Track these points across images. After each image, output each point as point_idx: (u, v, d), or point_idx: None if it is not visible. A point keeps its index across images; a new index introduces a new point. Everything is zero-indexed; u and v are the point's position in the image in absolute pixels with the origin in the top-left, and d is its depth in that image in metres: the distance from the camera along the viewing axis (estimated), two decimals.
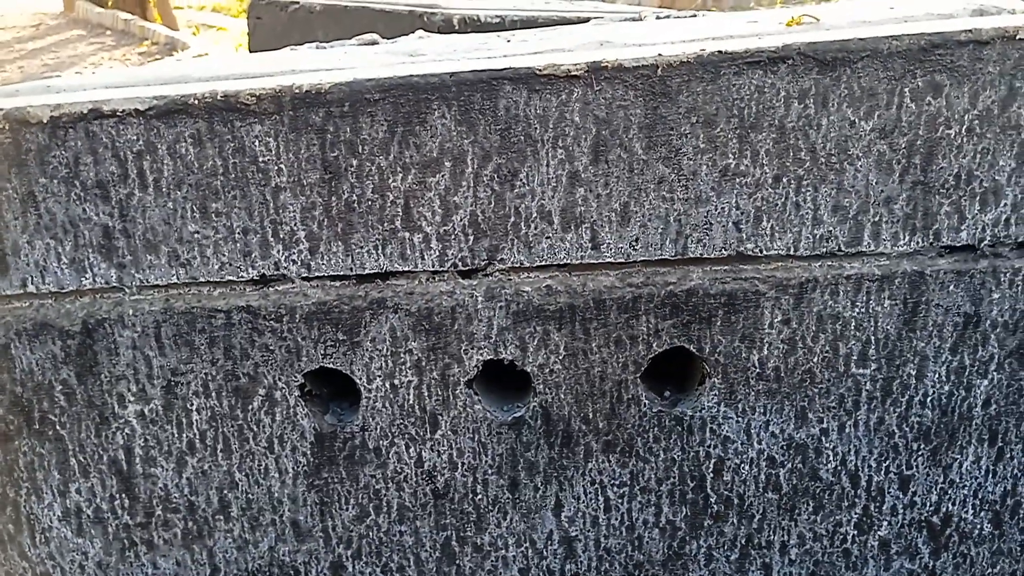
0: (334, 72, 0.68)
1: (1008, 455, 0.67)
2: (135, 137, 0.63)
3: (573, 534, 0.72)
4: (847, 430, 0.68)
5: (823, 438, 0.68)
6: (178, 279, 0.66)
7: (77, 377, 0.69)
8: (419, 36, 1.00)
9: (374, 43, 0.92)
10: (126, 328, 0.68)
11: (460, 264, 0.65)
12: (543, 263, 0.65)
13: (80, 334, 0.68)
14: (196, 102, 0.62)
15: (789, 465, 0.69)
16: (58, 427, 0.70)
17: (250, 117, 0.62)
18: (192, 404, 0.69)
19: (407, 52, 0.82)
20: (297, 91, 0.62)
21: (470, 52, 0.78)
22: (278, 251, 0.65)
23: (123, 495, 0.72)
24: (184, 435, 0.70)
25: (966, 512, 0.69)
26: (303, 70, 0.73)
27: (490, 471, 0.70)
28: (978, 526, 0.69)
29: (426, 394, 0.69)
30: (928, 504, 0.70)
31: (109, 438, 0.71)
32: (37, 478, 0.72)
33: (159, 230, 0.65)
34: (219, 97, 0.62)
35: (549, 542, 0.72)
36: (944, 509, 0.69)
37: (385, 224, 0.65)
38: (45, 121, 0.63)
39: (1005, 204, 0.62)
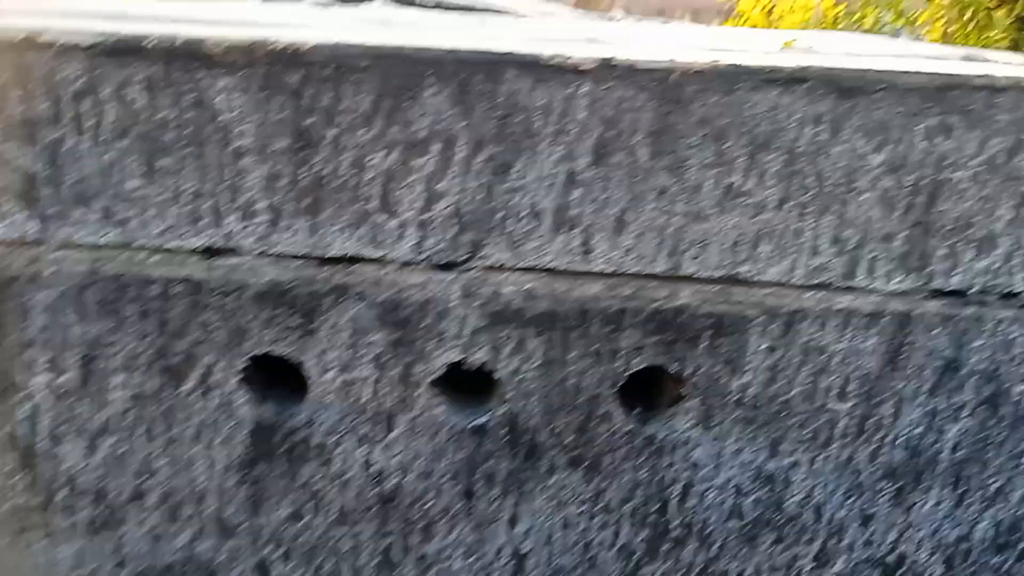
0: (307, 31, 0.66)
1: (968, 500, 0.73)
2: (75, 75, 0.59)
3: (526, 550, 0.74)
4: (816, 464, 0.72)
5: (792, 470, 0.72)
6: (111, 240, 0.63)
7: None
8: (381, 3, 0.97)
9: (330, 5, 0.89)
10: (42, 288, 0.64)
11: (437, 256, 0.65)
12: (528, 265, 0.66)
13: None
14: (152, 45, 0.59)
15: (755, 495, 0.73)
16: None
17: (215, 68, 0.60)
18: (113, 380, 0.67)
19: (377, 20, 0.80)
20: (273, 47, 0.59)
21: (445, 30, 0.77)
22: (233, 220, 0.63)
23: (22, 473, 0.69)
24: (100, 414, 0.68)
25: (920, 554, 0.74)
26: (265, 24, 0.70)
27: (444, 478, 0.71)
28: (929, 568, 0.75)
29: (384, 391, 0.68)
30: (885, 543, 0.76)
31: (11, 409, 0.67)
32: None
33: (93, 183, 0.62)
34: (180, 42, 0.59)
35: (499, 556, 0.74)
36: (900, 549, 0.75)
37: (359, 204, 0.63)
38: None
39: (997, 253, 0.66)
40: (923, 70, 0.63)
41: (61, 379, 0.67)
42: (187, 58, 0.60)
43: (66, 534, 0.72)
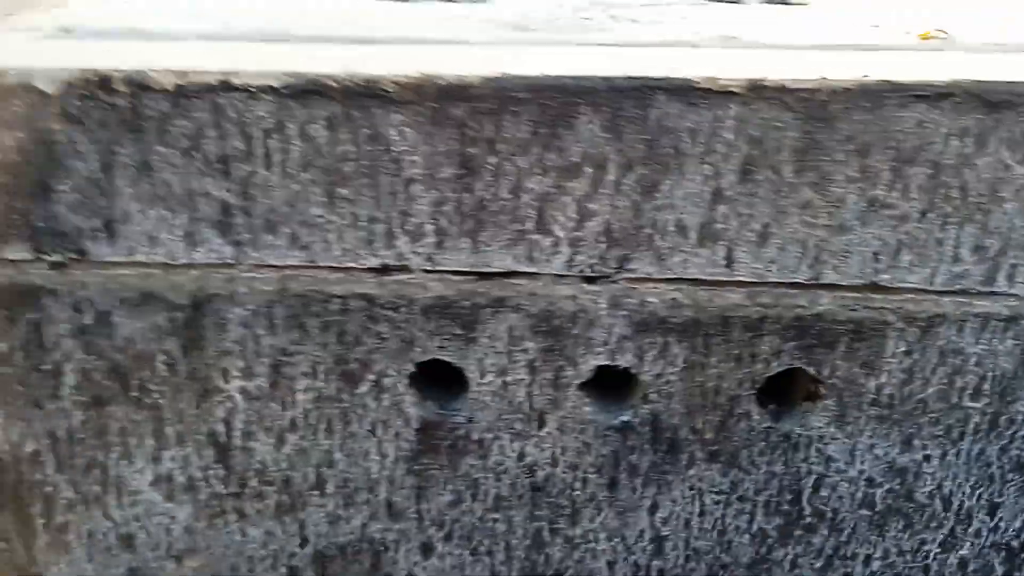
0: (467, 51, 0.71)
1: None
2: (265, 114, 0.66)
3: (665, 533, 0.80)
4: (948, 458, 0.76)
5: (924, 463, 0.76)
6: (296, 262, 0.71)
7: (181, 349, 0.74)
8: None
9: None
10: (237, 306, 0.72)
11: (587, 270, 0.70)
12: (672, 276, 0.70)
13: (188, 307, 0.73)
14: (334, 84, 0.65)
15: (887, 486, 0.77)
16: (156, 396, 0.76)
17: (389, 105, 0.65)
18: (298, 384, 0.75)
19: (510, 24, 0.84)
20: (441, 82, 0.65)
21: (582, 31, 0.81)
22: (403, 242, 0.70)
23: (218, 466, 0.78)
24: (287, 413, 0.76)
25: None
26: (414, 40, 0.75)
27: (591, 470, 0.78)
28: None
29: (537, 393, 0.75)
30: (1011, 530, 0.79)
31: (209, 411, 0.76)
32: (129, 444, 0.78)
33: (281, 211, 0.69)
34: (359, 82, 0.65)
35: (640, 539, 0.80)
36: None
37: (516, 224, 0.69)
38: (170, 89, 0.65)
39: None
40: None
41: (253, 384, 0.76)
42: (365, 95, 0.66)
43: (256, 517, 0.82)
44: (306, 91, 0.66)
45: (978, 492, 0.79)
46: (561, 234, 0.70)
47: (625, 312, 0.73)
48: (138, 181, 0.69)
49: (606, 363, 0.74)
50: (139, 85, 0.66)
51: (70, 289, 0.74)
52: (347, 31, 0.84)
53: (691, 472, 0.79)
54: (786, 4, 1.04)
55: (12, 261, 0.72)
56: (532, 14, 0.95)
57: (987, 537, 0.81)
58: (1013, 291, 0.71)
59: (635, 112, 0.66)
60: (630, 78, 0.65)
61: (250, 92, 0.66)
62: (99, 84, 0.66)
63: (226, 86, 0.66)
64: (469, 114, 0.66)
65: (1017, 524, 0.80)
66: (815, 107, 0.65)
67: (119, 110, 0.67)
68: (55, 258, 0.72)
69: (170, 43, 0.76)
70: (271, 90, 0.66)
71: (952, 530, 0.81)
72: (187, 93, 0.66)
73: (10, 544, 0.84)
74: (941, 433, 0.76)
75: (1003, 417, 0.75)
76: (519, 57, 0.72)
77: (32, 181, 0.70)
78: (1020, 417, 0.75)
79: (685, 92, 0.65)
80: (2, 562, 0.84)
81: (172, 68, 0.66)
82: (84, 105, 0.67)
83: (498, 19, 0.92)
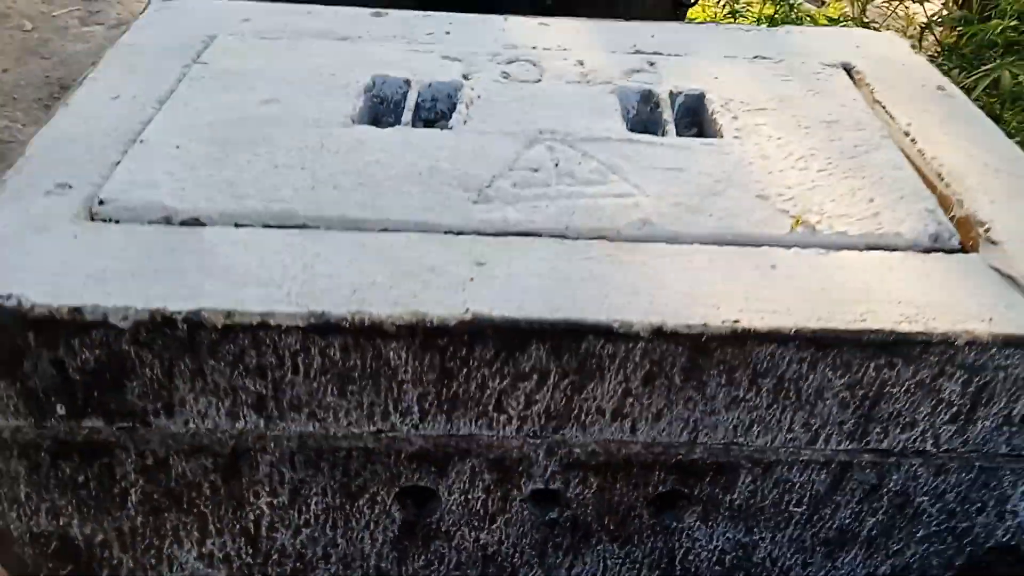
0: (416, 251, 0.93)
1: (875, 556, 1.12)
2: (293, 341, 0.89)
3: None
4: (777, 538, 1.10)
5: (760, 541, 1.10)
6: (313, 429, 0.96)
7: (222, 480, 1.00)
8: (449, 130, 1.18)
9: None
10: (267, 454, 0.98)
11: (530, 434, 0.98)
12: (592, 439, 0.99)
13: (229, 454, 0.98)
14: (347, 325, 0.87)
15: (733, 553, 1.12)
16: (202, 507, 1.02)
17: (389, 337, 0.89)
18: (312, 500, 1.02)
19: (462, 184, 1.06)
20: (429, 323, 0.88)
21: (528, 199, 1.03)
22: (395, 418, 0.96)
23: (248, 547, 1.07)
24: (302, 516, 1.04)
25: None
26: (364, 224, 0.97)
27: (527, 547, 1.09)
28: None
29: (490, 505, 1.04)
30: None
31: (242, 516, 1.03)
32: (180, 535, 1.05)
33: (303, 399, 0.93)
34: (367, 323, 0.88)
35: None
36: None
37: (480, 408, 0.95)
38: (219, 326, 0.87)
39: (916, 430, 0.99)
40: (884, 328, 0.92)
41: (277, 500, 1.03)
42: (371, 332, 0.89)
43: None
44: (326, 328, 0.88)
45: (796, 556, 1.14)
46: (513, 413, 0.97)
47: (557, 457, 1.01)
48: (192, 381, 0.91)
49: (541, 487, 1.04)
50: (195, 324, 0.87)
51: (135, 443, 0.97)
52: (341, 209, 1.03)
53: (598, 547, 1.11)
54: (703, 137, 1.26)
55: (89, 427, 0.95)
56: (482, 169, 1.14)
57: None
58: (828, 448, 1.02)
59: (571, 344, 0.91)
60: (568, 322, 0.90)
61: (282, 328, 0.88)
62: (164, 322, 0.87)
63: (264, 325, 0.88)
64: (448, 343, 0.90)
65: (822, 574, 1.16)
66: (699, 344, 0.92)
67: (179, 338, 0.88)
68: (124, 425, 0.95)
69: (209, 258, 0.94)
70: (298, 329, 0.88)
71: None
72: (233, 328, 0.88)
73: None
74: (773, 525, 1.10)
75: (815, 516, 1.09)
76: (486, 283, 0.94)
77: (107, 381, 0.91)
78: (828, 514, 1.09)
79: (607, 334, 0.91)
80: None
81: (220, 309, 0.87)
82: (151, 336, 0.88)
83: (451, 173, 1.11)
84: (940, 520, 1.11)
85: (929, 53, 2.29)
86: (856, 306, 0.94)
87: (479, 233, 1.03)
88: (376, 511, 1.05)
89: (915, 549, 1.15)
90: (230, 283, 0.92)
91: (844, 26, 2.64)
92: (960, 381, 0.95)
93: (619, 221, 1.05)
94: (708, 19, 3.00)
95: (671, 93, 1.34)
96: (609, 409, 0.97)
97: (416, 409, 0.96)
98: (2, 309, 0.87)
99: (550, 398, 0.96)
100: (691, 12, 3.19)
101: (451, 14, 1.63)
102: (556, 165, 1.15)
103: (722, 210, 1.07)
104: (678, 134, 1.30)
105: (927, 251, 1.05)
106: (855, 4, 2.53)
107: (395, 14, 1.61)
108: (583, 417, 0.98)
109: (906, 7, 2.43)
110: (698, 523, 1.10)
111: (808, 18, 3.05)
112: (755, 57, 1.50)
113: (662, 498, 1.09)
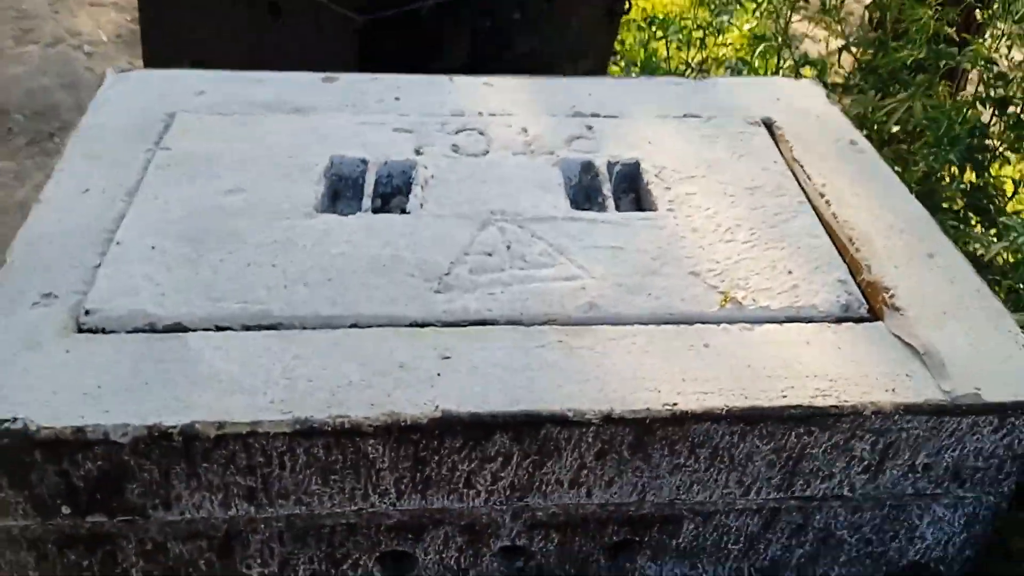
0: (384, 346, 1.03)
1: None
2: (280, 444, 0.98)
3: None
4: (718, 570, 1.24)
5: (703, 573, 1.24)
6: (300, 512, 1.05)
7: (217, 557, 1.09)
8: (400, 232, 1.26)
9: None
10: (257, 534, 1.07)
11: (497, 504, 1.09)
12: (553, 503, 1.10)
13: (222, 537, 1.06)
14: (329, 428, 0.97)
15: None
16: None
17: (367, 436, 0.98)
18: (300, 568, 1.12)
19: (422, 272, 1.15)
20: (403, 422, 0.98)
21: (484, 286, 1.13)
22: (374, 499, 1.06)
23: None
24: None
25: None
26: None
27: None
28: None
29: (463, 562, 1.15)
30: None
31: None
32: None
33: (290, 488, 1.03)
34: (347, 425, 0.97)
35: None
36: None
37: (451, 486, 1.06)
38: (212, 436, 0.95)
39: (834, 480, 1.13)
40: (802, 403, 1.05)
41: (268, 569, 1.12)
42: (351, 432, 0.98)
43: None
44: (310, 432, 0.97)
45: None
46: (481, 488, 1.07)
47: (521, 520, 1.13)
48: (188, 481, 1.00)
49: (508, 544, 1.15)
50: (190, 435, 0.95)
51: (136, 532, 1.05)
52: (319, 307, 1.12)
53: None
54: (643, 212, 1.36)
55: (92, 522, 1.02)
56: (440, 256, 1.23)
57: None
58: (759, 497, 1.15)
59: (531, 431, 1.02)
60: (528, 413, 1.01)
61: (270, 434, 0.97)
62: (160, 436, 0.95)
63: (252, 433, 0.96)
64: (421, 436, 1.00)
65: None
66: (644, 426, 1.03)
67: (175, 447, 0.96)
68: (125, 518, 1.03)
69: (197, 366, 1.02)
70: (284, 434, 0.97)
71: None
72: (225, 437, 0.96)
73: None
74: (714, 560, 1.23)
75: (751, 550, 1.23)
76: (452, 378, 1.04)
77: (109, 485, 0.99)
78: (762, 549, 1.23)
79: (562, 421, 1.02)
80: None
81: (212, 421, 0.95)
82: (148, 447, 0.96)
83: (411, 262, 1.20)
84: (859, 547, 1.26)
85: (847, 71, 2.43)
86: (778, 382, 1.07)
87: (442, 323, 1.13)
88: (359, 573, 1.15)
89: (839, 571, 1.29)
90: (218, 392, 1.01)
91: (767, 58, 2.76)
92: (869, 441, 1.09)
93: (568, 305, 1.16)
94: (634, 42, 3.09)
95: (609, 164, 1.45)
96: (567, 480, 1.09)
97: (393, 490, 1.06)
98: (9, 432, 0.94)
99: (514, 474, 1.06)
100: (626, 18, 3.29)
101: (398, 76, 1.70)
102: (508, 247, 1.25)
103: (660, 289, 1.19)
104: (616, 200, 1.41)
105: (839, 320, 1.18)
106: (777, 22, 2.66)
107: (345, 79, 1.67)
108: (544, 487, 1.09)
109: (825, 24, 2.56)
110: (648, 563, 1.22)
111: (731, 26, 3.17)
112: (684, 115, 1.61)
113: (616, 545, 1.21)
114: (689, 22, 3.27)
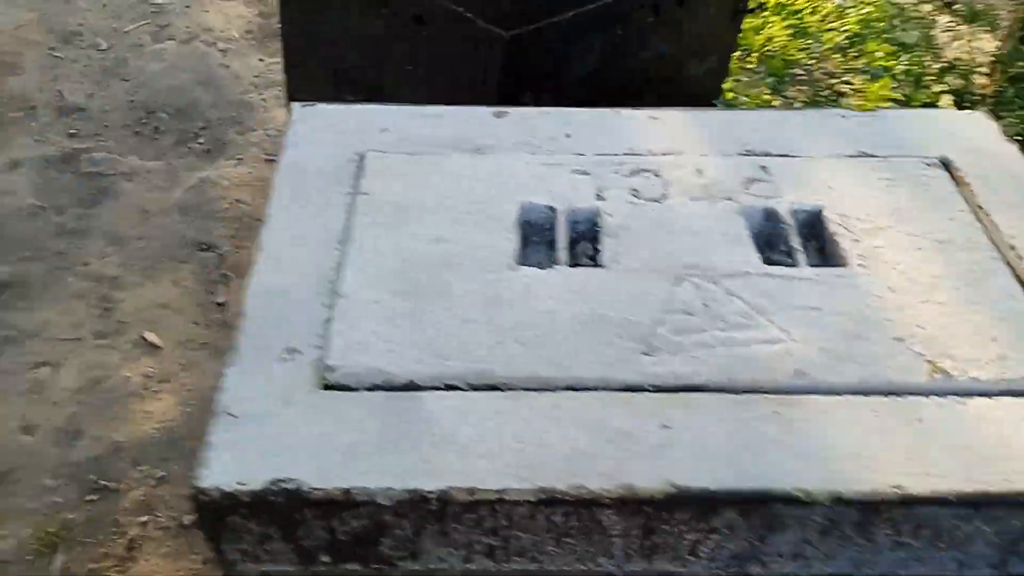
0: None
1: None
2: (523, 510, 1.03)
3: None
4: None
5: None
6: (532, 569, 1.11)
7: None
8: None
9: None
10: None
11: (716, 570, 1.13)
12: (771, 572, 1.14)
13: None
14: (570, 498, 1.02)
15: None
16: None
17: (604, 506, 1.03)
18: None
19: (640, 338, 1.18)
20: (639, 496, 1.02)
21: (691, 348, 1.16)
22: (602, 560, 1.10)
23: None
24: None
25: None
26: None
27: None
28: None
29: None
30: None
31: None
32: None
33: (526, 548, 1.09)
34: (586, 495, 1.02)
35: None
36: None
37: (676, 552, 1.10)
38: (464, 502, 1.01)
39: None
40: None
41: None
42: (587, 502, 1.03)
43: None
44: (551, 501, 1.02)
45: None
46: (704, 556, 1.11)
47: None
48: (436, 538, 1.06)
49: None
50: (444, 500, 1.01)
51: None
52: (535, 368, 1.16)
53: None
54: (836, 268, 1.35)
55: (346, 570, 1.10)
56: (641, 314, 1.25)
57: None
58: (972, 573, 1.16)
59: (759, 507, 1.05)
60: (757, 492, 1.04)
61: (514, 501, 1.02)
62: (420, 500, 1.01)
63: (500, 500, 1.02)
64: (653, 508, 1.04)
65: None
66: (870, 506, 1.06)
67: (430, 510, 1.02)
68: (376, 567, 1.10)
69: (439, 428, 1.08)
70: (528, 502, 1.02)
71: None
72: (476, 502, 1.02)
73: None
74: None
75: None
76: (677, 449, 1.07)
77: (366, 540, 1.06)
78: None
79: (791, 500, 1.04)
80: None
81: (464, 487, 1.01)
82: (406, 508, 1.02)
83: (615, 321, 1.23)
84: None
85: (997, 87, 2.36)
86: (1001, 463, 1.08)
87: (653, 387, 1.16)
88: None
89: None
90: (459, 454, 1.06)
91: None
92: None
93: (776, 372, 1.18)
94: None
95: (792, 212, 1.45)
96: (788, 552, 1.12)
97: (621, 554, 1.11)
98: (285, 492, 1.01)
99: (736, 545, 1.11)
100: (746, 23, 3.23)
101: (567, 111, 1.71)
102: (705, 306, 1.27)
103: (866, 356, 1.20)
104: (802, 249, 1.41)
105: None
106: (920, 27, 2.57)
107: (514, 113, 1.69)
108: (764, 558, 1.13)
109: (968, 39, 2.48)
110: None
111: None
112: (859, 154, 1.60)
113: None
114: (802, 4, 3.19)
